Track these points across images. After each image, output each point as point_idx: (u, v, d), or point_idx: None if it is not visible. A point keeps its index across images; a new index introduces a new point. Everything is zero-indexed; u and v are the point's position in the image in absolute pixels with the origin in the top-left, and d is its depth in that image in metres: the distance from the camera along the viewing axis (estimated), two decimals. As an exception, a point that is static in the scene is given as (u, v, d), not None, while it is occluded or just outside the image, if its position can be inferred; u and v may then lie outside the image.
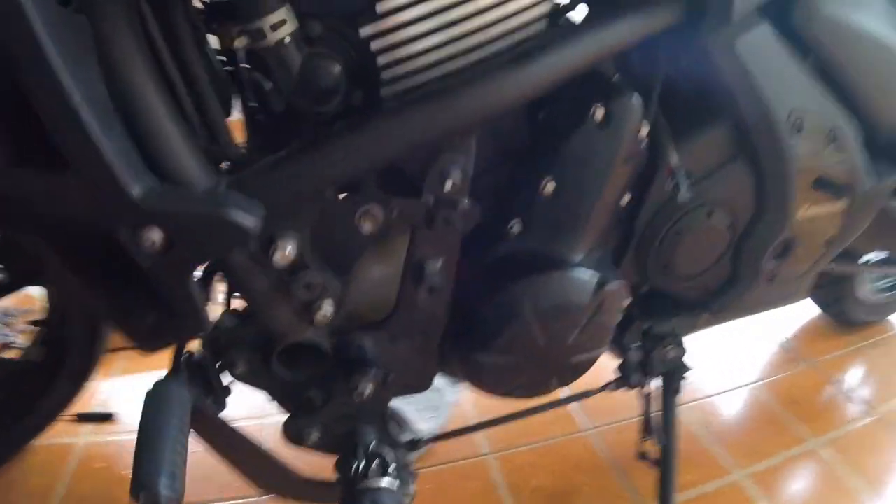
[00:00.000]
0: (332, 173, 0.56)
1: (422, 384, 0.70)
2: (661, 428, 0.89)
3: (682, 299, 0.84)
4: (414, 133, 0.55)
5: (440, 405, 1.06)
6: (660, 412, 0.91)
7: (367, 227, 0.59)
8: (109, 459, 1.15)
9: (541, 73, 0.56)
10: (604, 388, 0.86)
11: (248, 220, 0.52)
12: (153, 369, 1.46)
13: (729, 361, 1.34)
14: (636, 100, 0.63)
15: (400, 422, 0.95)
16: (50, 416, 1.14)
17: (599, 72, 0.64)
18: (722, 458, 1.08)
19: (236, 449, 0.64)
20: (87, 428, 1.22)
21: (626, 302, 0.72)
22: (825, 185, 0.76)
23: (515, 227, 0.66)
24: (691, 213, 0.74)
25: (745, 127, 0.70)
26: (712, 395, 1.24)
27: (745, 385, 1.28)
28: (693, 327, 0.89)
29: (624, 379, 0.84)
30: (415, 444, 0.75)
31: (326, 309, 0.61)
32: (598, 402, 0.93)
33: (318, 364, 0.65)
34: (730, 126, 0.71)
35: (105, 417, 1.24)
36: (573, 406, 1.17)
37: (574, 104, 0.63)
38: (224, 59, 0.66)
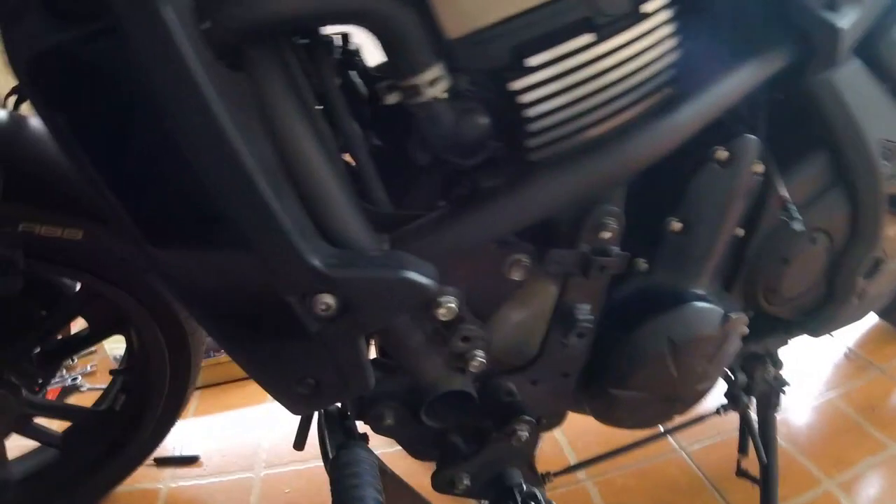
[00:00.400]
0: (494, 231, 0.57)
1: (556, 422, 0.72)
2: (758, 444, 0.91)
3: (780, 320, 0.87)
4: (575, 188, 0.56)
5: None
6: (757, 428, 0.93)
7: (515, 275, 0.61)
8: (195, 503, 1.15)
9: (687, 122, 0.59)
10: (714, 413, 0.88)
11: (427, 280, 0.52)
12: (228, 409, 1.46)
13: (802, 374, 1.33)
14: (753, 139, 0.66)
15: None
16: (134, 463, 1.14)
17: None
18: (811, 470, 1.09)
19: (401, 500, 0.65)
20: (170, 471, 1.22)
21: (746, 330, 0.74)
22: (910, 205, 0.80)
23: (641, 264, 0.68)
24: (796, 239, 0.77)
25: (842, 156, 0.74)
26: (791, 409, 1.25)
27: (822, 396, 1.29)
28: (784, 342, 0.92)
29: (733, 403, 0.86)
30: (545, 478, 0.77)
31: (479, 357, 0.62)
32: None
33: (463, 411, 0.66)
34: (827, 156, 0.74)
35: (189, 460, 1.25)
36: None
37: (694, 146, 0.64)
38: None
